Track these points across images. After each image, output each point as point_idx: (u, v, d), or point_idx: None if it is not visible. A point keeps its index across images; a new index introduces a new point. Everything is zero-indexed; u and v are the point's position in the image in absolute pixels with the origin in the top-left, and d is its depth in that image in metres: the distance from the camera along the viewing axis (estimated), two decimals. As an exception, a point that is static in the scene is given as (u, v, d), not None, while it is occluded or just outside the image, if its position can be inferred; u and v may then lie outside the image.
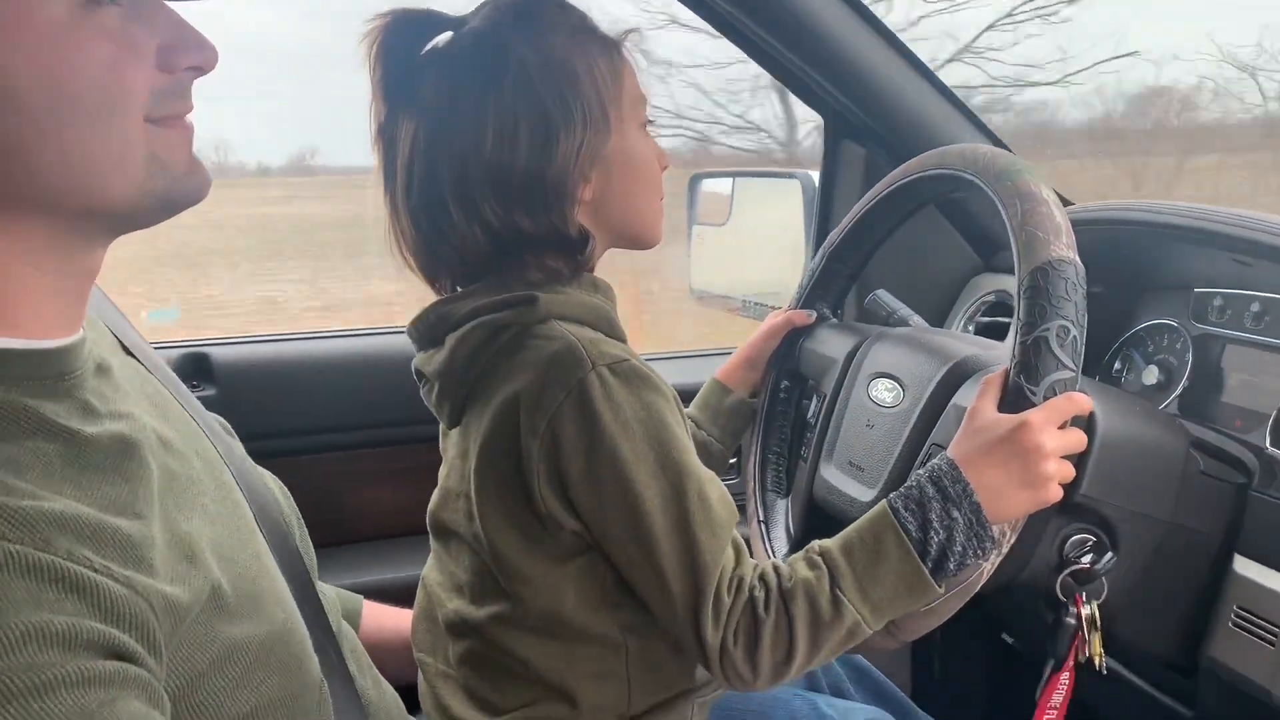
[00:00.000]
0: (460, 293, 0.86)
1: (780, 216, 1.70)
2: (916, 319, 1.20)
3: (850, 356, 1.10)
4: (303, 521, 0.84)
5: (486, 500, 0.81)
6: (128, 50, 0.54)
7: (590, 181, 0.84)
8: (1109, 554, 0.89)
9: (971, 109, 1.47)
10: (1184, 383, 1.17)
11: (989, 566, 0.82)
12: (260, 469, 0.82)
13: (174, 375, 0.80)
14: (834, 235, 1.18)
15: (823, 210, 1.59)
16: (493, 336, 0.81)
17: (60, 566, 0.47)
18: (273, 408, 1.38)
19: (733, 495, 0.84)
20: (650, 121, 0.91)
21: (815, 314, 1.19)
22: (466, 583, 0.86)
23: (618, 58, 0.86)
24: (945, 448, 0.84)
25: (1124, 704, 1.13)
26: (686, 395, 1.16)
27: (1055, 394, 0.81)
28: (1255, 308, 1.10)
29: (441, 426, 0.92)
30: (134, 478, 0.56)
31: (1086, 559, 0.89)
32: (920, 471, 0.83)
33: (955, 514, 0.79)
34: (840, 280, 1.20)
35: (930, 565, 0.79)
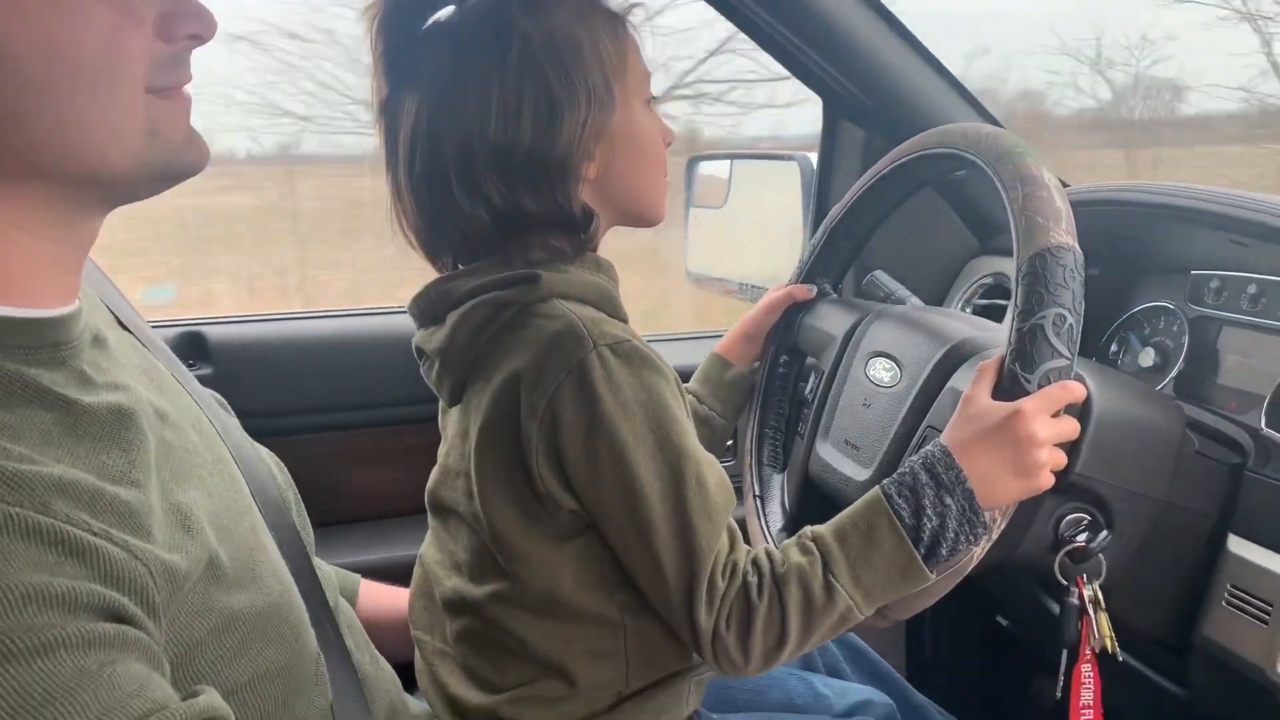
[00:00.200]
0: (462, 270, 0.86)
1: (778, 199, 1.69)
2: (914, 300, 1.20)
3: (849, 334, 1.10)
4: (299, 498, 0.84)
5: (486, 479, 0.81)
6: (127, 17, 0.54)
7: (595, 159, 0.84)
8: (1104, 532, 0.90)
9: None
10: (1180, 364, 1.17)
11: (980, 551, 0.82)
12: (257, 445, 0.82)
13: (169, 352, 0.79)
14: (837, 209, 1.17)
15: (820, 192, 1.59)
16: (494, 314, 0.81)
17: (60, 529, 0.47)
18: (269, 387, 1.38)
19: (730, 472, 0.84)
20: (655, 97, 0.90)
21: (816, 289, 1.19)
22: (465, 561, 0.86)
23: (623, 32, 0.86)
24: (940, 431, 0.85)
25: (1117, 682, 1.14)
26: (684, 376, 1.16)
27: (1050, 382, 0.81)
28: (1252, 289, 1.10)
29: (441, 405, 0.91)
30: (131, 447, 0.56)
31: (1082, 538, 0.90)
32: (914, 458, 0.83)
33: (948, 501, 0.79)
34: (842, 256, 1.20)
35: (923, 551, 0.79)
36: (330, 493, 1.42)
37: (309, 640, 0.68)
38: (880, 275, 1.24)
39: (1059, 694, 0.93)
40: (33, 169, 0.54)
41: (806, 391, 1.17)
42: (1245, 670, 0.92)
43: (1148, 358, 1.21)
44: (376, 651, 0.88)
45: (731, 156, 1.85)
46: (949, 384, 0.95)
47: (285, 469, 0.85)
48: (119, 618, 0.49)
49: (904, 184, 1.10)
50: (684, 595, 0.77)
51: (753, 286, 1.74)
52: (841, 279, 1.23)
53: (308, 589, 0.72)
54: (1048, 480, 0.82)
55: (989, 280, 1.48)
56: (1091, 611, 0.89)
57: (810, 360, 1.19)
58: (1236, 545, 0.94)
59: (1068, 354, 0.81)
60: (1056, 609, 0.92)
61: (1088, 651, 0.91)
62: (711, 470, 0.79)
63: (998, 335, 0.99)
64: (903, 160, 1.06)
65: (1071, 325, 0.81)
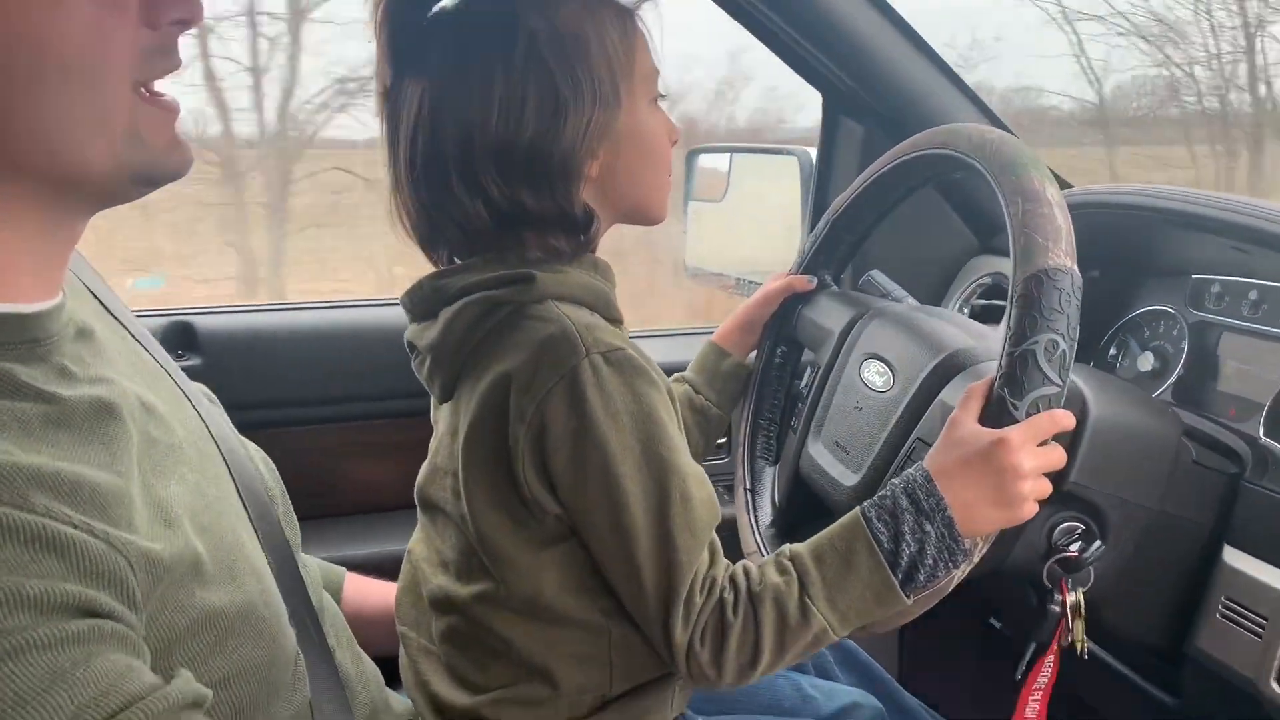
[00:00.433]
0: (456, 266, 0.85)
1: (777, 193, 1.68)
2: (910, 301, 1.19)
3: (846, 331, 1.09)
4: (286, 495, 0.84)
5: (473, 480, 0.80)
6: (109, 8, 0.53)
7: (598, 158, 0.82)
8: (1097, 542, 0.89)
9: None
10: (1179, 370, 1.16)
11: (960, 574, 0.81)
12: (245, 441, 0.81)
13: (157, 344, 0.78)
14: (840, 200, 1.15)
15: (820, 187, 1.58)
16: (487, 314, 0.80)
17: (37, 525, 0.47)
18: (258, 378, 1.36)
19: (722, 466, 0.82)
20: (662, 95, 0.88)
21: (815, 280, 1.17)
22: (452, 560, 0.86)
23: (631, 29, 0.84)
24: (927, 444, 0.83)
25: (1109, 691, 1.13)
26: (675, 373, 1.15)
27: (1039, 410, 0.79)
28: (1253, 296, 1.09)
29: (433, 399, 0.91)
30: (112, 440, 0.56)
31: (1074, 547, 0.89)
32: (895, 480, 0.82)
33: (928, 527, 0.78)
34: (843, 248, 1.18)
35: (900, 577, 0.78)
36: (320, 486, 1.41)
37: (287, 639, 0.67)
38: (877, 275, 1.23)
39: (1018, 676, 0.93)
40: (14, 166, 0.53)
41: (802, 386, 1.16)
42: (1237, 682, 0.91)
43: (1146, 362, 1.20)
44: (360, 650, 0.87)
45: (731, 149, 1.83)
46: (940, 397, 0.93)
47: (273, 465, 0.84)
48: (95, 613, 0.48)
49: (908, 180, 1.09)
50: (661, 608, 0.77)
51: (750, 281, 1.73)
52: (842, 271, 1.22)
53: (289, 587, 0.72)
54: (1030, 511, 0.80)
55: (988, 280, 1.47)
56: (1069, 617, 0.88)
57: (807, 354, 1.18)
58: (1232, 557, 0.93)
59: (1059, 381, 0.79)
60: (1035, 610, 0.91)
61: (1055, 646, 0.91)
62: (698, 486, 0.78)
63: (993, 347, 0.98)
64: (907, 157, 1.04)
65: (1064, 351, 0.79)
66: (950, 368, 0.95)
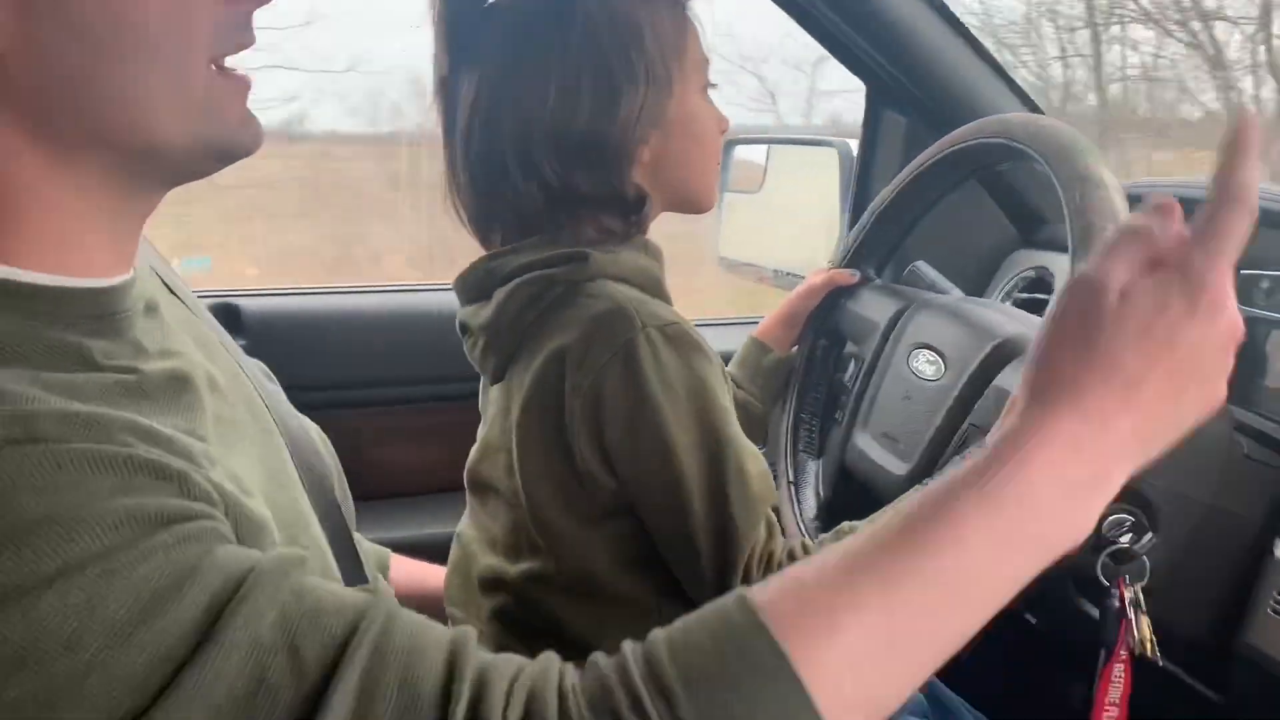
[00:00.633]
0: (510, 247, 0.86)
1: (815, 186, 1.67)
2: (956, 292, 1.19)
3: (892, 323, 1.09)
4: (342, 473, 0.84)
5: (528, 455, 0.81)
6: None
7: (649, 143, 0.84)
8: (1149, 534, 0.88)
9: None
10: (1227, 366, 1.15)
11: None
12: (303, 418, 0.81)
13: (215, 321, 0.79)
14: (885, 194, 1.15)
15: (861, 180, 1.57)
16: (542, 292, 0.81)
17: (141, 457, 0.47)
18: (302, 360, 1.38)
19: (765, 458, 0.83)
20: (712, 85, 0.89)
21: (859, 274, 1.17)
22: (501, 539, 0.86)
23: (682, 18, 0.85)
24: (982, 430, 0.83)
25: (1151, 685, 1.12)
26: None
27: None
28: (1305, 291, 1.08)
29: (482, 383, 0.91)
30: (190, 409, 0.56)
31: (1125, 539, 0.88)
32: (954, 467, 0.81)
33: None
34: (886, 242, 1.18)
35: None
36: (361, 468, 1.41)
37: None
38: (922, 265, 1.22)
39: (1090, 691, 0.92)
40: (94, 138, 0.53)
41: (846, 379, 1.15)
42: (1288, 678, 0.91)
43: (1193, 358, 1.19)
44: None
45: (769, 141, 1.83)
46: (994, 382, 0.93)
47: (329, 443, 0.85)
48: (202, 516, 0.49)
49: (954, 172, 1.08)
50: (716, 581, 0.77)
51: (787, 274, 1.73)
52: (885, 265, 1.21)
53: (348, 567, 0.72)
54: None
55: (1030, 274, 1.45)
56: (1132, 614, 0.88)
57: (849, 347, 1.18)
58: (1284, 552, 0.92)
59: None
60: (1090, 608, 0.90)
61: (1122, 652, 0.90)
62: (753, 460, 0.78)
63: None
64: (956, 148, 1.04)
65: None
66: (1004, 354, 0.95)
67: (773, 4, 1.38)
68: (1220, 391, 0.57)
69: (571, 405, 0.77)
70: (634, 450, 0.76)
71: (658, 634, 0.50)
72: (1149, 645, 0.88)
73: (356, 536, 0.84)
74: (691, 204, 0.91)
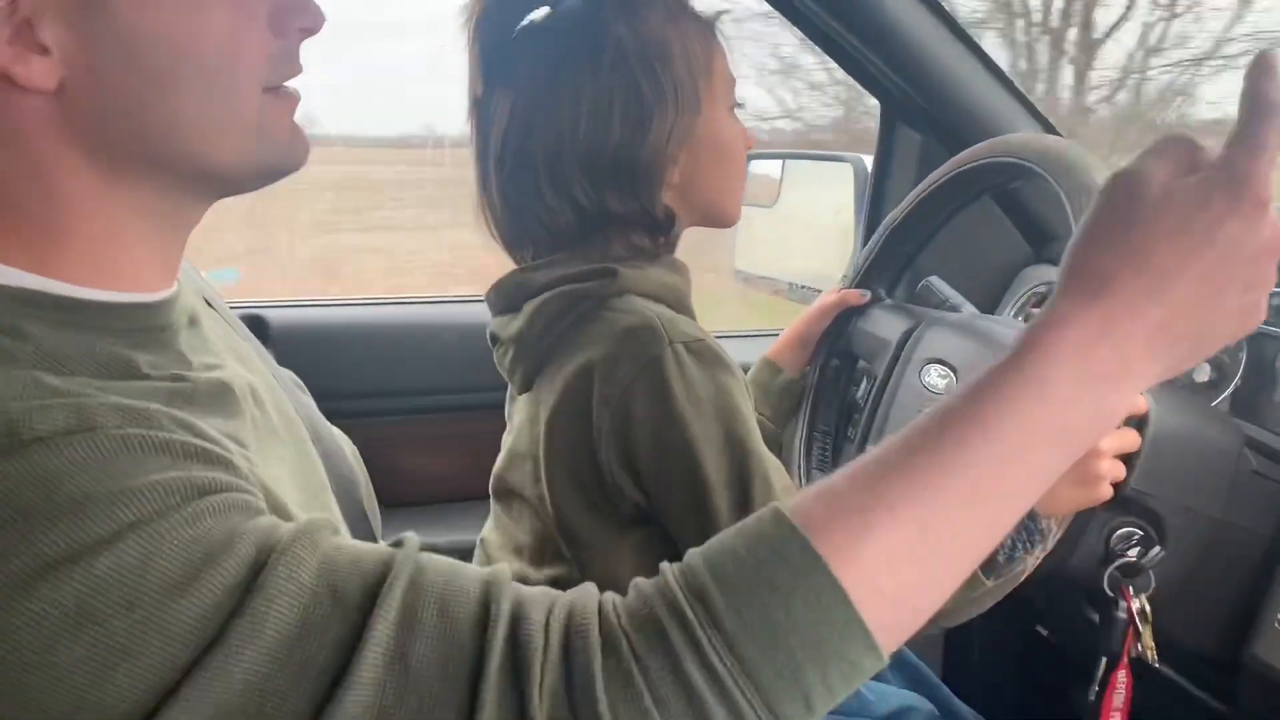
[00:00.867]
0: (540, 261, 0.88)
1: (830, 200, 1.69)
2: (969, 308, 1.20)
3: (904, 340, 1.10)
4: (370, 483, 0.86)
5: (555, 463, 0.83)
6: (244, 15, 0.56)
7: (679, 163, 0.86)
8: (1156, 548, 0.89)
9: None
10: (1236, 381, 1.16)
11: (1034, 560, 0.82)
12: (333, 428, 0.84)
13: (249, 332, 0.81)
14: (896, 213, 1.17)
15: (875, 195, 1.59)
16: (571, 305, 0.83)
17: (188, 443, 0.50)
18: (329, 371, 1.40)
19: None
20: (739, 104, 0.91)
21: (869, 294, 1.19)
22: (526, 545, 0.88)
23: (711, 38, 0.87)
24: None
25: (1159, 698, 1.13)
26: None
27: None
28: (1314, 309, 1.09)
29: (509, 392, 0.94)
30: (234, 416, 0.58)
31: (1133, 553, 0.89)
32: None
33: None
34: (897, 261, 1.20)
35: None
36: (386, 477, 1.43)
37: None
38: (935, 281, 1.24)
39: (1092, 697, 0.93)
40: (150, 161, 0.55)
41: (859, 396, 1.17)
42: (1295, 691, 0.92)
43: (1203, 373, 1.20)
44: None
45: (784, 155, 1.85)
46: None
47: (358, 453, 0.87)
48: (241, 490, 0.51)
49: (965, 191, 1.10)
50: None
51: (802, 287, 1.74)
52: (896, 284, 1.23)
53: None
54: (1106, 491, 0.81)
55: (1042, 289, 1.47)
56: (1139, 624, 0.89)
57: (862, 365, 1.19)
58: (1292, 566, 0.93)
59: None
60: (1099, 619, 0.91)
61: (1126, 659, 0.91)
62: (778, 473, 0.80)
63: None
64: (965, 167, 1.06)
65: None
66: None
67: (785, 18, 1.41)
68: (1260, 309, 0.54)
69: (599, 417, 0.79)
70: (661, 462, 0.78)
71: (694, 550, 0.51)
72: (1151, 652, 0.89)
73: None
74: (718, 219, 0.93)
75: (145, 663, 0.44)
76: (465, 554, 0.98)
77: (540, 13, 0.87)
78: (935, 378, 1.03)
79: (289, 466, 0.65)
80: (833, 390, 1.19)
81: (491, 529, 0.96)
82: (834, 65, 1.46)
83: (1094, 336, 0.51)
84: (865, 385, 1.16)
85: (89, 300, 0.54)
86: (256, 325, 1.38)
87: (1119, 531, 0.90)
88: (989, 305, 1.52)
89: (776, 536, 0.49)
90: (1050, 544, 0.82)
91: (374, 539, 0.79)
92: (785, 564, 0.48)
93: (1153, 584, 0.90)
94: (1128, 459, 0.85)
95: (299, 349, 1.39)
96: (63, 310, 0.53)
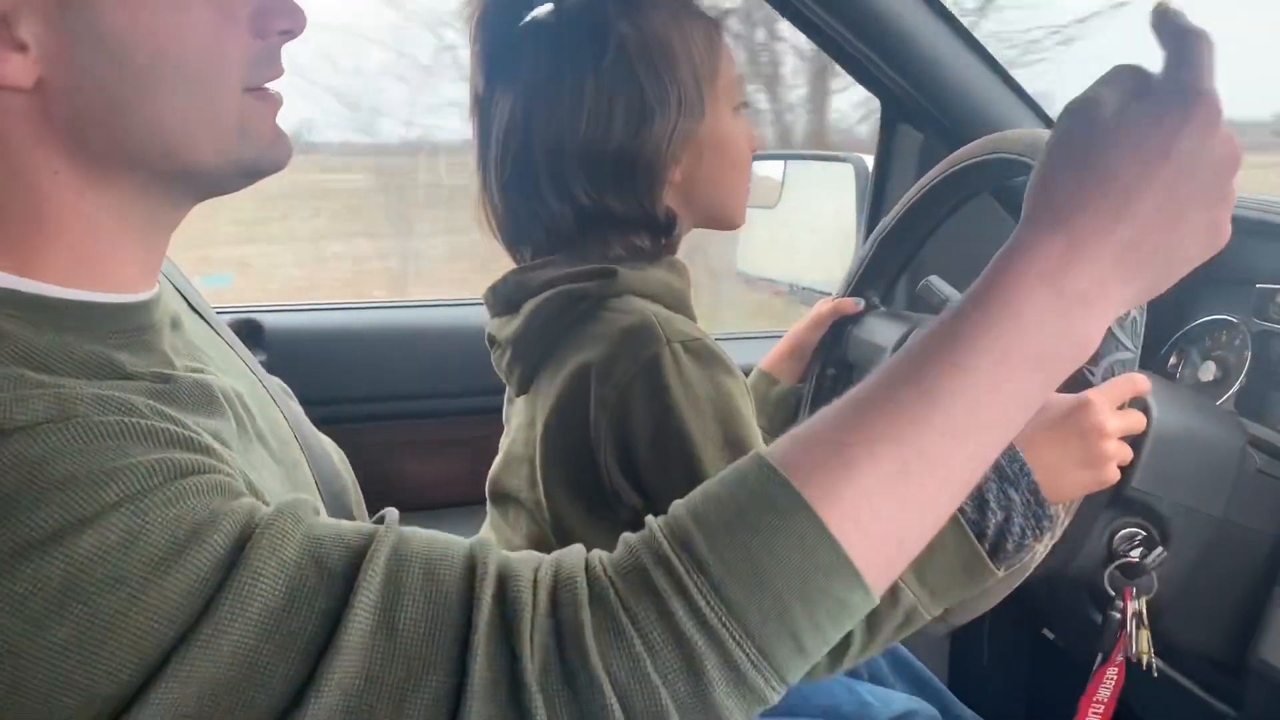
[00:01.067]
0: (539, 261, 0.87)
1: (832, 201, 1.68)
2: (967, 307, 1.19)
3: (899, 345, 1.09)
4: (359, 489, 0.86)
5: (551, 466, 0.82)
6: (225, 16, 0.55)
7: (681, 164, 0.85)
8: (1159, 549, 0.88)
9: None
10: (1241, 380, 1.14)
11: (1044, 547, 0.80)
12: (321, 435, 0.83)
13: (235, 337, 0.81)
14: (886, 221, 1.17)
15: (875, 195, 1.58)
16: (569, 305, 0.82)
17: (174, 431, 0.50)
18: (323, 375, 1.40)
19: None
20: (745, 105, 0.90)
21: (863, 302, 1.18)
22: (522, 549, 0.87)
23: (716, 39, 0.87)
24: None
25: (1165, 700, 1.12)
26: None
27: (1114, 374, 0.80)
28: (1320, 306, 1.08)
29: (506, 394, 0.93)
30: (218, 416, 0.58)
31: (1136, 553, 0.88)
32: None
33: (1012, 494, 0.77)
34: (891, 268, 1.19)
35: (988, 547, 0.75)
36: (380, 482, 1.43)
37: None
38: (935, 280, 1.23)
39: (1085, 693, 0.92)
40: (130, 161, 0.55)
41: None
42: (1302, 694, 0.90)
43: (1208, 372, 1.19)
44: None
45: (786, 157, 1.84)
46: None
47: (346, 460, 0.87)
48: (234, 479, 0.51)
49: (958, 192, 1.09)
50: None
51: (804, 288, 1.74)
52: (890, 291, 1.22)
53: None
54: (1114, 473, 0.79)
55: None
56: (1133, 626, 0.88)
57: (858, 373, 1.19)
58: (1297, 566, 0.92)
59: (1132, 347, 0.80)
60: (1100, 619, 0.90)
61: (1119, 658, 0.90)
62: None
63: None
64: (958, 167, 1.05)
65: (1135, 319, 0.80)
66: None
67: (785, 19, 1.40)
68: (1225, 227, 0.55)
69: (597, 418, 0.78)
70: (659, 462, 0.77)
71: (678, 500, 0.52)
72: (1146, 657, 0.88)
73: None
74: (722, 221, 0.92)
75: (132, 639, 0.44)
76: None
77: (543, 9, 0.86)
78: None
79: (274, 472, 0.65)
80: (829, 399, 1.17)
81: (487, 532, 0.96)
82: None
83: (1062, 260, 0.51)
84: None
85: (70, 300, 0.54)
86: (251, 329, 1.38)
87: (1121, 532, 0.89)
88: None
89: (758, 480, 0.49)
90: (1059, 531, 0.80)
91: None
92: (768, 507, 0.48)
93: (1155, 585, 0.88)
94: (1134, 445, 0.84)
95: (294, 352, 1.38)
96: (43, 310, 0.53)
